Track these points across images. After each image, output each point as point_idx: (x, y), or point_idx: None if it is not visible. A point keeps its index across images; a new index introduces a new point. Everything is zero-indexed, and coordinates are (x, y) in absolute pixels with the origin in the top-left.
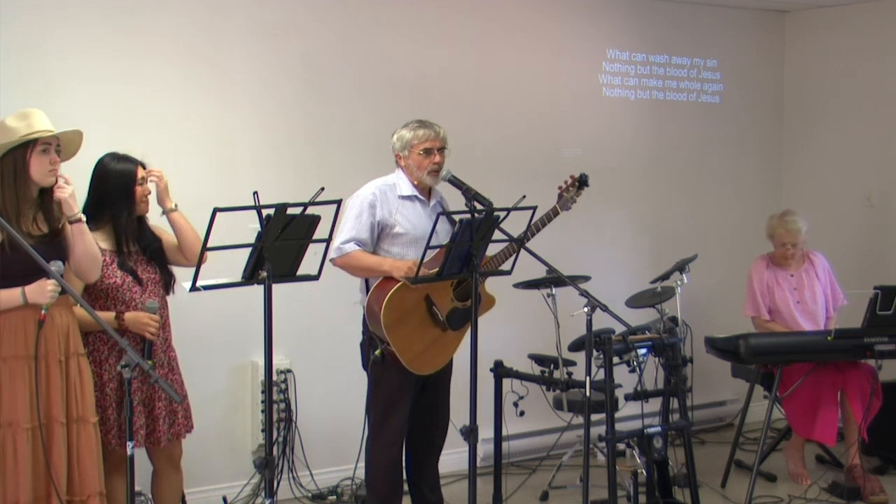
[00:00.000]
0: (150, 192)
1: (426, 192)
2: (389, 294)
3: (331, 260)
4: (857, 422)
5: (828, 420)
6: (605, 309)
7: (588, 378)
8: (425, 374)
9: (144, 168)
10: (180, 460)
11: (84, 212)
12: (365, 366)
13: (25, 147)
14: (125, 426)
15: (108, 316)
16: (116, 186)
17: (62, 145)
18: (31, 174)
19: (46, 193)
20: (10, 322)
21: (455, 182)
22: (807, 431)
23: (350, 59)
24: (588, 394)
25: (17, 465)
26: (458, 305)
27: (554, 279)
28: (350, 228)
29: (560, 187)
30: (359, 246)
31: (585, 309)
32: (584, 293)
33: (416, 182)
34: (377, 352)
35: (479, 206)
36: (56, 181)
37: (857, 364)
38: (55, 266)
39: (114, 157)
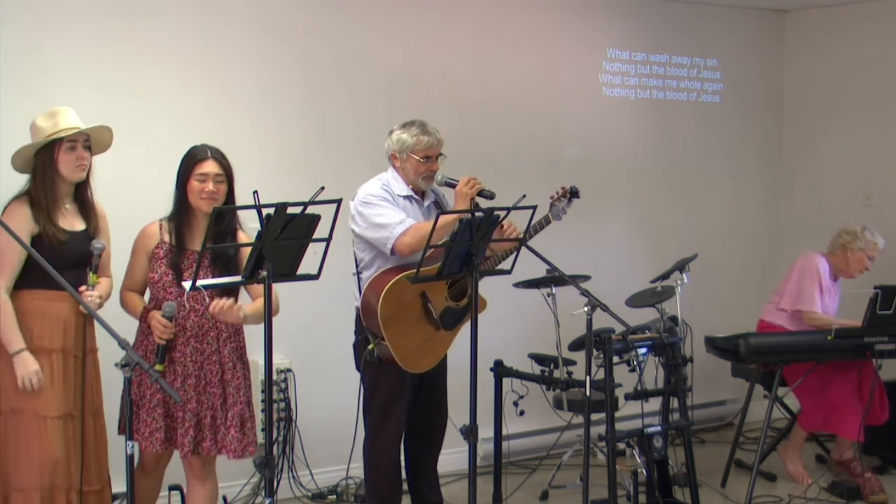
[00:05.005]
0: (209, 190)
1: (420, 192)
2: (387, 287)
3: (393, 247)
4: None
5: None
6: (605, 309)
7: (588, 377)
8: (417, 373)
9: (224, 166)
10: (204, 473)
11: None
12: (359, 367)
13: (53, 145)
14: (140, 427)
15: (139, 308)
16: (178, 173)
17: (92, 141)
18: (60, 171)
19: (80, 189)
20: (50, 315)
21: (451, 183)
22: (850, 432)
23: (349, 59)
24: (588, 393)
25: (39, 451)
26: (452, 305)
27: (554, 279)
28: (391, 214)
29: (552, 197)
30: (410, 221)
31: (585, 308)
32: (585, 292)
33: (409, 184)
34: (370, 346)
35: (479, 203)
36: (87, 177)
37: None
38: (98, 244)
39: (200, 145)
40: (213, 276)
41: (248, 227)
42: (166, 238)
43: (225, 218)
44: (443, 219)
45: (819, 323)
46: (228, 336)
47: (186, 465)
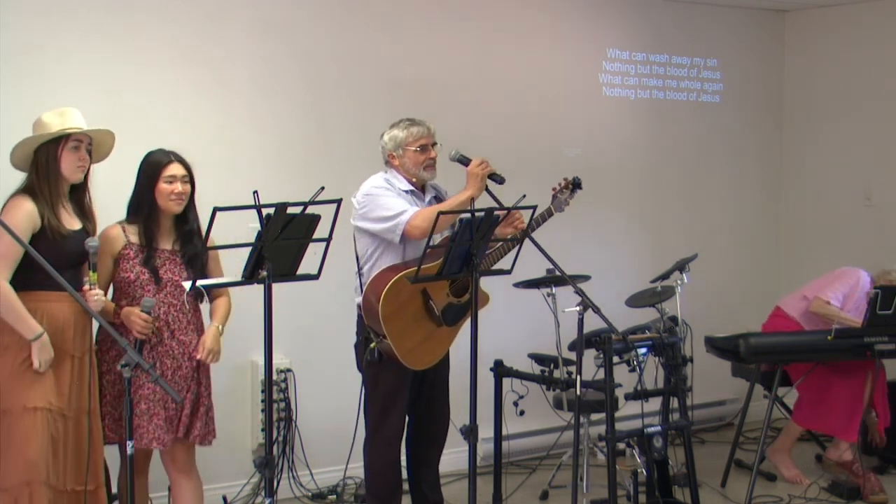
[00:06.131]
0: (178, 191)
1: (421, 188)
2: (388, 285)
3: (404, 231)
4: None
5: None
6: (596, 311)
7: (579, 377)
8: (419, 370)
9: (187, 167)
10: (188, 466)
11: (129, 203)
12: (360, 367)
13: (58, 142)
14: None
15: (109, 309)
16: (142, 178)
17: (94, 146)
18: (62, 169)
19: (77, 191)
20: (50, 316)
21: (464, 161)
22: (847, 433)
23: (350, 59)
24: (578, 392)
25: (24, 450)
26: (454, 301)
27: (554, 278)
28: (398, 203)
29: (554, 188)
30: (416, 208)
31: (577, 308)
32: (579, 292)
33: (413, 179)
34: (372, 345)
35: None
36: (85, 180)
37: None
38: (92, 242)
39: (158, 150)
40: (188, 277)
41: (248, 226)
42: (133, 239)
43: (189, 218)
44: (446, 205)
45: (825, 311)
46: (200, 329)
47: (169, 461)
